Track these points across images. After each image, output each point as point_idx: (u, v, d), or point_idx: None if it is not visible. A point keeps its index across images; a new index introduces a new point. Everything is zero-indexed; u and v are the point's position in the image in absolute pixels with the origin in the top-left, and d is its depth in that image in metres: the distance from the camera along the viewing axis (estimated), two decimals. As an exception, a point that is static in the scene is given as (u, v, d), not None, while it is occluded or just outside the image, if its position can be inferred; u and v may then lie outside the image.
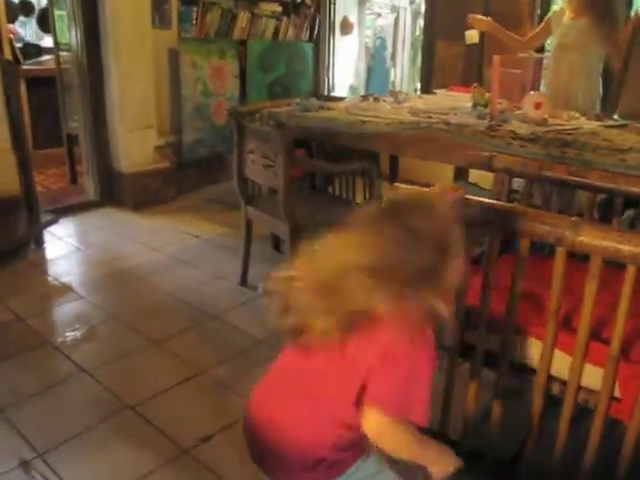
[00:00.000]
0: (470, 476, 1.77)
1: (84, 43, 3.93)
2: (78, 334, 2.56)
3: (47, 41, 5.41)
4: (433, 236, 1.03)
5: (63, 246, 3.53)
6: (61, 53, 4.41)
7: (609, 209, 2.23)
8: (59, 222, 3.85)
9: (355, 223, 1.06)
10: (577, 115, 2.94)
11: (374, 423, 1.07)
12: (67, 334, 2.56)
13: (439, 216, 1.06)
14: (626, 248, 1.27)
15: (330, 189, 3.33)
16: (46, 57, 5.28)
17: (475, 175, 3.41)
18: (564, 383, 1.49)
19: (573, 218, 1.36)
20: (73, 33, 3.97)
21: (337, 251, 1.05)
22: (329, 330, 1.03)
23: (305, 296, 1.05)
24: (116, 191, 4.22)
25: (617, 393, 1.43)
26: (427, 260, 1.02)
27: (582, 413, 1.59)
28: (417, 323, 1.04)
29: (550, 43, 3.45)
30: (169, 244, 3.57)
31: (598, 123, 2.82)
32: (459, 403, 1.69)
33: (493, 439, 1.67)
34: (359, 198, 3.26)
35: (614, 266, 1.50)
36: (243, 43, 4.69)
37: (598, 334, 1.48)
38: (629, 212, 2.22)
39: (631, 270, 1.31)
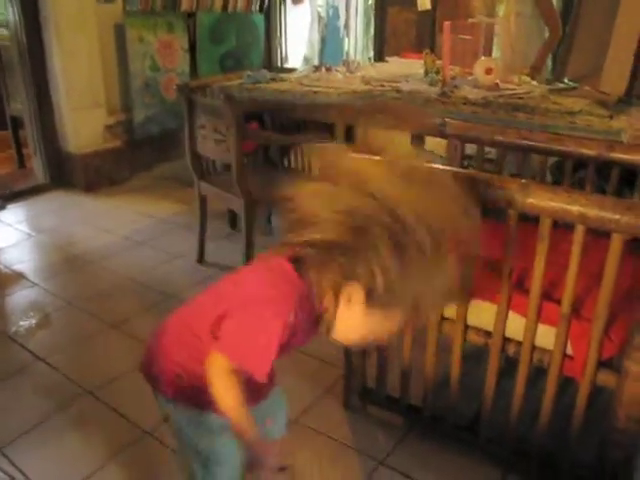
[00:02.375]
0: (431, 440, 1.81)
1: (22, 20, 3.76)
2: (33, 322, 2.49)
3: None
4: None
5: (13, 233, 3.42)
6: (-2, 30, 4.23)
7: (560, 172, 2.26)
8: (7, 208, 3.73)
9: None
10: (528, 79, 2.96)
11: (212, 360, 1.06)
12: (21, 323, 2.49)
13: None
14: (574, 208, 1.28)
15: (285, 162, 3.29)
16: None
17: (431, 142, 3.42)
18: (519, 344, 1.52)
19: (522, 180, 1.36)
20: (10, 9, 3.79)
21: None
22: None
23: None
24: (66, 173, 4.10)
25: (569, 351, 1.46)
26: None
27: (537, 373, 1.63)
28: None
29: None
30: (123, 225, 3.49)
31: (548, 87, 2.84)
32: (419, 370, 1.71)
33: (453, 403, 1.69)
34: (315, 171, 3.23)
35: (565, 228, 1.52)
36: (191, 15, 4.56)
37: (550, 295, 1.50)
38: (579, 174, 2.25)
39: (580, 229, 1.32)
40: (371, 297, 0.95)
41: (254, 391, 1.18)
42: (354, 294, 0.97)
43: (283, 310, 1.02)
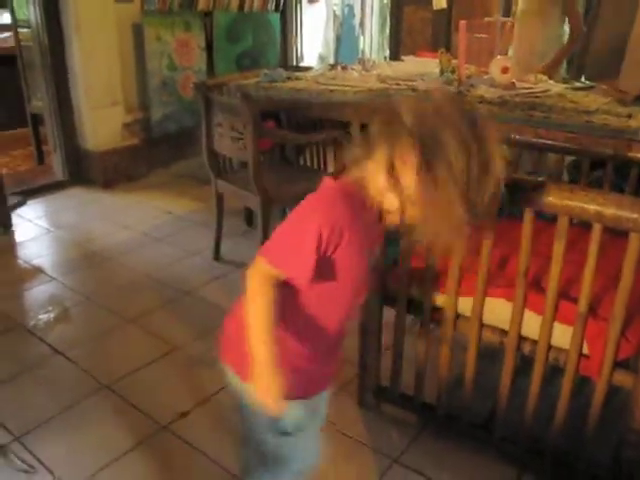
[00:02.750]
0: (446, 438, 1.82)
1: (44, 20, 3.81)
2: (51, 316, 2.53)
3: (5, 17, 5.23)
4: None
5: (32, 228, 3.46)
6: (20, 30, 4.27)
7: (577, 171, 2.25)
8: (27, 204, 3.78)
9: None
10: (544, 78, 2.95)
11: (252, 266, 1.05)
12: (40, 317, 2.52)
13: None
14: (592, 207, 1.28)
15: (301, 160, 3.30)
16: (5, 34, 5.11)
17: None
18: (535, 343, 1.52)
19: (540, 179, 1.36)
20: (32, 9, 3.84)
21: None
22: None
23: None
24: (85, 170, 4.14)
25: (586, 350, 1.46)
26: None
27: (553, 372, 1.63)
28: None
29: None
30: (141, 222, 3.52)
31: (565, 85, 2.83)
32: (434, 368, 1.71)
33: (468, 401, 1.69)
34: (330, 168, 3.24)
35: (581, 227, 1.52)
36: (208, 15, 4.59)
37: (567, 293, 1.50)
38: (596, 173, 2.24)
39: (597, 228, 1.32)
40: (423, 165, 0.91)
41: (330, 349, 1.16)
42: (407, 155, 0.92)
43: (320, 218, 1.00)
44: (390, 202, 0.98)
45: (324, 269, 1.04)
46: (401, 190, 0.94)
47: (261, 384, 1.02)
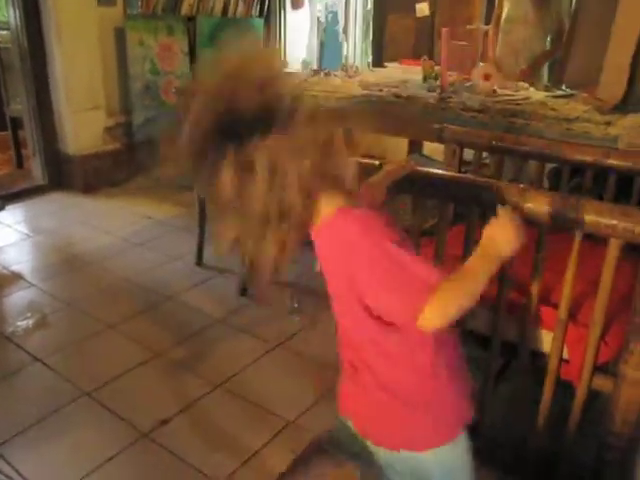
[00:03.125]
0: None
1: (23, 22, 3.77)
2: (30, 322, 2.49)
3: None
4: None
5: (11, 233, 3.41)
6: (-1, 32, 4.24)
7: (557, 178, 2.28)
8: (6, 209, 3.72)
9: None
10: (526, 86, 2.98)
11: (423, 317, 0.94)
12: (18, 323, 2.49)
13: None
14: (571, 214, 1.30)
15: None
16: (-17, 36, 5.04)
17: (429, 148, 3.44)
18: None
19: (521, 185, 1.37)
20: (11, 11, 3.80)
21: None
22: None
23: None
24: (65, 175, 4.10)
25: (566, 355, 1.47)
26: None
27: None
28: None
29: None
30: (122, 227, 3.49)
31: (546, 93, 2.86)
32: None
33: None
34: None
35: (562, 234, 1.53)
36: (192, 19, 4.57)
37: (548, 299, 1.51)
38: (576, 180, 2.27)
39: (577, 235, 1.33)
40: None
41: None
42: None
43: (375, 239, 0.96)
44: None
45: None
46: None
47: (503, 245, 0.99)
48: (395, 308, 0.97)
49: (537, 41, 3.33)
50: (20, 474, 1.72)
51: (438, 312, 0.94)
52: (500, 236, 1.01)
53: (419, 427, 1.09)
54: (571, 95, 2.81)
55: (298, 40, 5.65)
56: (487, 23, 3.66)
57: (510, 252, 1.00)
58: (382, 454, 1.13)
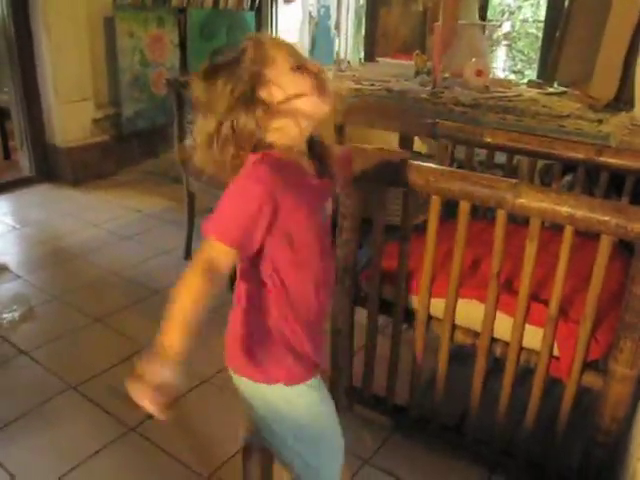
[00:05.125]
0: (417, 440, 1.81)
1: (11, 11, 3.71)
2: (16, 315, 2.46)
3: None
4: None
5: (-3, 225, 3.38)
6: (-14, 22, 4.17)
7: (549, 175, 2.28)
8: (-8, 200, 3.69)
9: None
10: (518, 83, 2.98)
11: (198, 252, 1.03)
12: (4, 316, 2.45)
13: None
14: (564, 209, 1.29)
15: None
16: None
17: (420, 144, 3.42)
18: (506, 344, 1.52)
19: (513, 181, 1.37)
20: (-2, 0, 3.75)
21: None
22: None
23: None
24: (53, 166, 4.06)
25: (556, 352, 1.47)
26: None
27: (524, 374, 1.63)
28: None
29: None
30: (110, 220, 3.46)
31: (538, 90, 2.86)
32: (405, 370, 1.71)
33: (439, 404, 1.69)
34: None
35: (553, 230, 1.53)
36: (182, 11, 4.54)
37: (538, 295, 1.51)
38: (568, 177, 2.27)
39: (568, 230, 1.33)
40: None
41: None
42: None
43: (256, 192, 1.00)
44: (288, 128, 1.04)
45: (279, 242, 1.05)
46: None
47: (148, 369, 0.97)
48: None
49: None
50: (5, 468, 1.70)
51: (197, 267, 1.01)
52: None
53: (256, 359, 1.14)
54: (563, 93, 2.81)
55: (290, 34, 5.62)
56: (481, 19, 3.65)
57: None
58: (235, 380, 1.19)
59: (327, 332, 1.26)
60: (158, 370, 0.96)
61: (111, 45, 4.11)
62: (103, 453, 1.77)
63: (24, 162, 4.10)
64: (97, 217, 3.49)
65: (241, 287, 1.14)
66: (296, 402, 1.15)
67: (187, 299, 0.99)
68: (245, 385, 1.17)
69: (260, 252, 1.06)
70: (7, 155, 4.45)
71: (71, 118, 3.99)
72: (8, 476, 1.67)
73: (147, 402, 0.96)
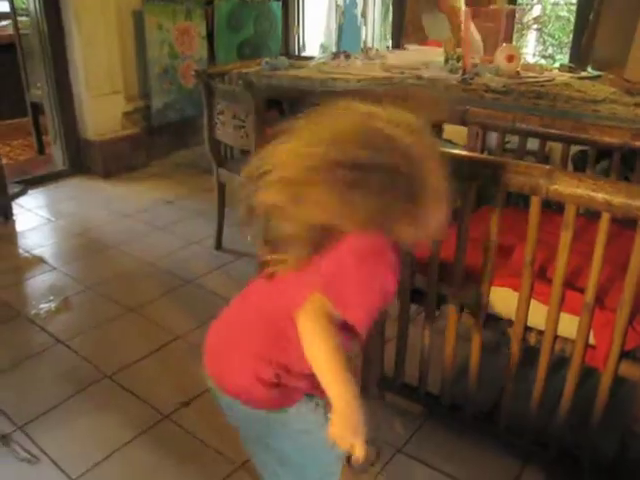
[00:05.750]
0: (449, 428, 1.81)
1: (43, 8, 3.77)
2: (52, 305, 2.52)
3: (4, 5, 5.18)
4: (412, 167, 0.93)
5: (33, 218, 3.44)
6: (19, 18, 4.24)
7: (582, 162, 2.23)
8: (28, 193, 3.75)
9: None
10: (550, 67, 2.92)
11: (306, 306, 0.95)
12: (41, 306, 2.51)
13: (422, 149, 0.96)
14: (600, 196, 1.26)
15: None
16: (4, 22, 5.06)
17: (449, 132, 3.38)
18: (540, 333, 1.50)
19: (547, 167, 1.34)
20: (31, -3, 3.81)
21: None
22: (304, 255, 0.95)
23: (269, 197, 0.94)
24: (85, 160, 4.12)
25: (592, 341, 1.44)
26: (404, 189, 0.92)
27: (559, 363, 1.61)
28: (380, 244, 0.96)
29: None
30: (142, 211, 3.51)
31: (571, 75, 2.80)
32: (438, 358, 1.70)
33: (472, 392, 1.68)
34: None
35: (588, 217, 1.50)
36: (210, 3, 4.55)
37: (573, 283, 1.48)
38: (603, 163, 2.22)
39: (605, 217, 1.30)
40: None
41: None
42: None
43: (385, 262, 0.95)
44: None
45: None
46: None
47: (349, 424, 0.96)
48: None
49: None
50: (45, 452, 1.74)
51: (316, 324, 0.94)
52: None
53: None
54: (597, 76, 2.74)
55: (316, 23, 5.60)
56: (510, 3, 3.59)
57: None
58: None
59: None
60: (358, 422, 0.97)
61: (140, 38, 4.15)
62: (138, 440, 1.80)
63: (58, 156, 4.17)
64: (129, 208, 3.54)
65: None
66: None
67: (329, 360, 0.95)
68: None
69: None
70: (42, 150, 4.53)
71: (102, 111, 4.04)
72: (50, 462, 1.71)
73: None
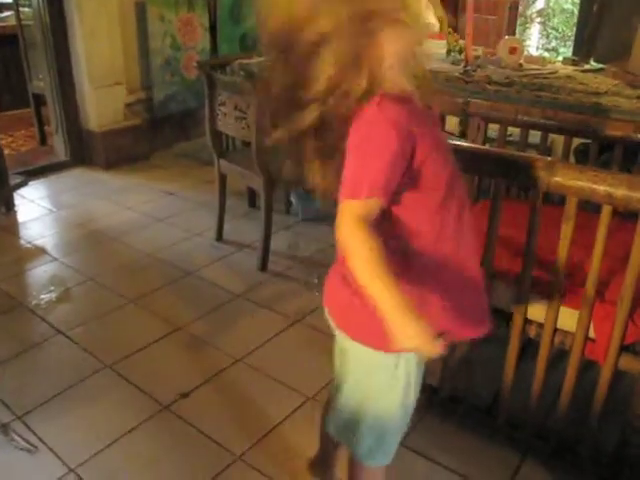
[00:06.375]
0: (448, 420, 1.81)
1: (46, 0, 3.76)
2: (53, 296, 2.52)
3: (6, -4, 5.18)
4: None
5: (35, 208, 3.44)
6: (21, 9, 4.22)
7: (584, 155, 2.22)
8: (29, 184, 3.74)
9: None
10: (553, 60, 2.91)
11: (336, 221, 0.93)
12: (42, 296, 2.51)
13: None
14: (601, 188, 1.26)
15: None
16: (6, 13, 5.05)
17: (452, 124, 3.38)
18: (541, 326, 1.50)
19: (548, 158, 1.34)
20: (32, -13, 3.79)
21: None
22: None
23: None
24: (87, 151, 4.12)
25: (592, 334, 1.44)
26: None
27: (558, 356, 1.61)
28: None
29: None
30: (143, 202, 3.50)
31: (573, 67, 2.79)
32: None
33: (471, 384, 1.68)
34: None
35: (589, 209, 1.49)
36: (212, -6, 4.53)
37: (574, 276, 1.48)
38: (605, 156, 2.21)
39: (606, 210, 1.30)
40: None
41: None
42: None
43: (385, 127, 0.92)
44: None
45: (414, 181, 0.97)
46: None
47: (403, 331, 0.91)
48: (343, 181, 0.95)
49: None
50: (44, 442, 1.75)
51: (347, 232, 0.92)
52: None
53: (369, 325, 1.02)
54: (600, 69, 2.73)
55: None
56: (514, -5, 3.57)
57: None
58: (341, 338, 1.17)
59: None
60: (409, 328, 0.91)
61: (142, 29, 4.13)
62: (137, 431, 1.80)
63: (59, 147, 4.16)
64: (130, 200, 3.53)
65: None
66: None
67: (368, 265, 0.91)
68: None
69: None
70: (43, 141, 4.53)
71: (104, 103, 4.03)
72: (49, 452, 1.72)
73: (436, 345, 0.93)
